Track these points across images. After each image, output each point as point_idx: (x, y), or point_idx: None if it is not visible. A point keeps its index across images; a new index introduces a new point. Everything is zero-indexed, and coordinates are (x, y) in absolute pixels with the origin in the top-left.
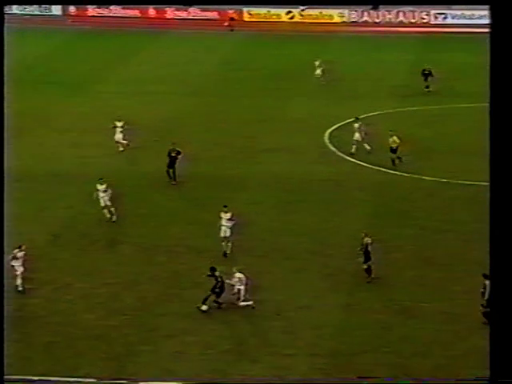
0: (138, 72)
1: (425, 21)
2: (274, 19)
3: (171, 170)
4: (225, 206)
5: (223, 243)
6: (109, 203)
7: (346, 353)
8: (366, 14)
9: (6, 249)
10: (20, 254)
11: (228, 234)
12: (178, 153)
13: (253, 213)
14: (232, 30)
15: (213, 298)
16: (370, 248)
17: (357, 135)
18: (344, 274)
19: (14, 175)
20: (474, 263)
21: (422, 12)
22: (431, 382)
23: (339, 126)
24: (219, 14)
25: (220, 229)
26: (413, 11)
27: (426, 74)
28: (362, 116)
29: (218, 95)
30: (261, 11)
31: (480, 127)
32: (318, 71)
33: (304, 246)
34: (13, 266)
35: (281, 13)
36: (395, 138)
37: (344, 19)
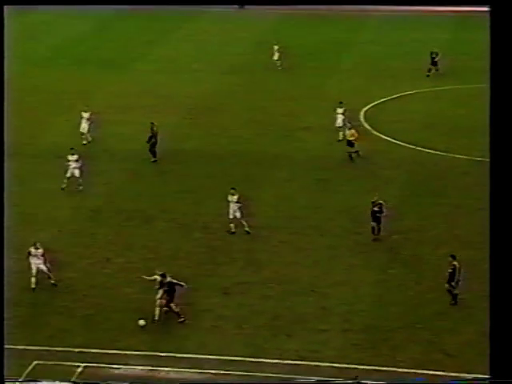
0: (175, 50)
1: None
2: None
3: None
4: (232, 189)
5: (231, 224)
6: (77, 175)
7: (379, 328)
8: None
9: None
10: (35, 252)
11: (238, 215)
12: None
13: (288, 190)
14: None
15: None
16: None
17: (339, 121)
18: (377, 251)
19: (55, 151)
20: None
21: None
22: (431, 382)
23: (375, 105)
24: None
25: (228, 211)
26: None
27: (432, 59)
28: (398, 95)
29: (255, 74)
30: None
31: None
32: (276, 56)
33: (338, 222)
34: (29, 263)
35: None
36: (353, 131)
37: None
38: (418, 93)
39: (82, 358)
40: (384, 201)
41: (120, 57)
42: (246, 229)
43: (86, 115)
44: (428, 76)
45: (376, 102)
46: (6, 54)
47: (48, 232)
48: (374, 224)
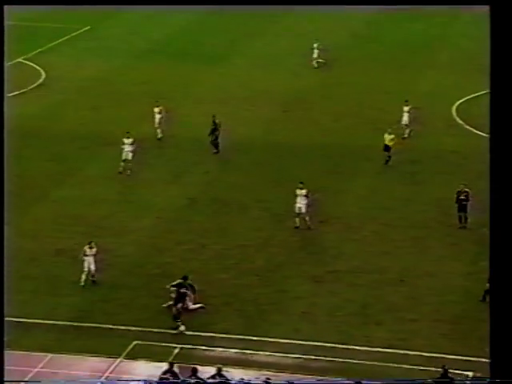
0: (271, 46)
1: None
2: None
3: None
4: (301, 183)
5: (297, 219)
6: (129, 158)
7: (468, 319)
8: None
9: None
10: (89, 251)
11: (303, 210)
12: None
13: (379, 182)
14: None
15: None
16: None
17: (405, 118)
18: (467, 243)
19: (153, 142)
20: None
21: None
22: (431, 381)
23: (467, 100)
24: None
25: (294, 205)
26: None
27: None
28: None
29: (348, 68)
30: None
31: None
32: (315, 54)
33: (429, 214)
34: (83, 261)
35: None
36: (393, 136)
37: None
38: None
39: (179, 339)
40: (469, 189)
41: (219, 51)
42: (309, 223)
43: (157, 110)
44: None
45: (468, 97)
46: (112, 48)
47: (147, 219)
48: (461, 213)
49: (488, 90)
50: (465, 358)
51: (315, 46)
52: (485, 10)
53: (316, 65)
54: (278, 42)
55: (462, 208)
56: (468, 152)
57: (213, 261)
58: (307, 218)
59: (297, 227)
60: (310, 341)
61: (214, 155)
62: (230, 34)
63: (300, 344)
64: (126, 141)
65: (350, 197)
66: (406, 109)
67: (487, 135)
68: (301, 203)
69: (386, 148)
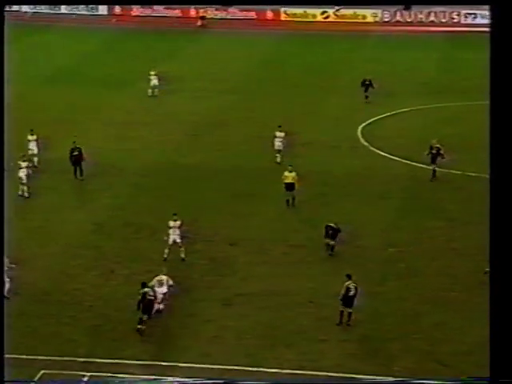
0: (179, 70)
1: (455, 20)
2: (310, 19)
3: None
4: (174, 214)
5: (166, 250)
6: (24, 180)
7: (376, 339)
8: (398, 13)
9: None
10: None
11: (178, 240)
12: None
13: (283, 204)
14: (203, 26)
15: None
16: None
17: (278, 144)
18: (374, 264)
19: (61, 167)
20: None
21: (452, 12)
22: (430, 381)
23: (371, 122)
24: (257, 14)
25: (168, 237)
26: (443, 11)
27: (367, 85)
28: (394, 112)
29: (256, 92)
30: (297, 11)
31: None
32: (154, 81)
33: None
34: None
35: (316, 13)
36: (293, 174)
37: (377, 19)
38: (413, 110)
39: (88, 367)
40: (441, 145)
41: (124, 76)
42: (182, 255)
43: (32, 138)
44: (368, 102)
45: (373, 119)
46: (11, 74)
47: (55, 245)
48: (434, 166)
49: (392, 112)
50: (373, 376)
51: (152, 73)
52: (391, 32)
53: (150, 93)
54: (186, 66)
55: (434, 160)
56: (373, 173)
57: (122, 286)
58: (182, 249)
59: (165, 259)
60: (220, 364)
61: (123, 179)
62: (137, 58)
63: (210, 368)
64: (22, 164)
65: (260, 219)
66: (278, 134)
67: (391, 156)
68: (175, 234)
69: (290, 187)
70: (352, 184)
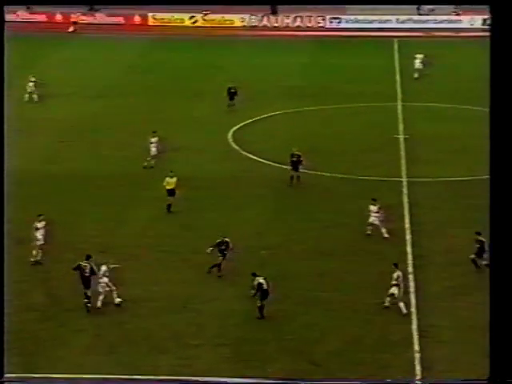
0: (44, 75)
1: (320, 25)
2: (178, 23)
3: None
4: (40, 215)
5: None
6: None
7: (250, 342)
8: (265, 18)
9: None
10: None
11: (41, 242)
12: None
13: (159, 210)
14: (75, 32)
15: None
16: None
17: (153, 150)
18: (246, 267)
19: None
20: (370, 253)
21: (318, 17)
22: (429, 381)
23: (241, 126)
24: (125, 18)
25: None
26: (309, 16)
27: (232, 93)
28: (263, 116)
29: (126, 97)
30: (165, 16)
31: (373, 125)
32: (31, 87)
33: (208, 241)
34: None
35: (184, 17)
36: (174, 179)
37: (244, 23)
38: (283, 113)
39: None
40: (302, 153)
41: None
42: (36, 259)
43: None
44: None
45: (243, 123)
46: None
47: None
48: (292, 173)
49: (263, 116)
50: (248, 380)
51: (32, 79)
52: (260, 37)
53: (27, 98)
54: (56, 72)
55: (296, 168)
56: (244, 177)
57: None
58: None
59: (37, 262)
60: (94, 374)
61: None
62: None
63: (84, 378)
64: None
65: (132, 226)
66: (153, 140)
67: (262, 160)
68: (40, 235)
69: (171, 192)
70: (224, 188)
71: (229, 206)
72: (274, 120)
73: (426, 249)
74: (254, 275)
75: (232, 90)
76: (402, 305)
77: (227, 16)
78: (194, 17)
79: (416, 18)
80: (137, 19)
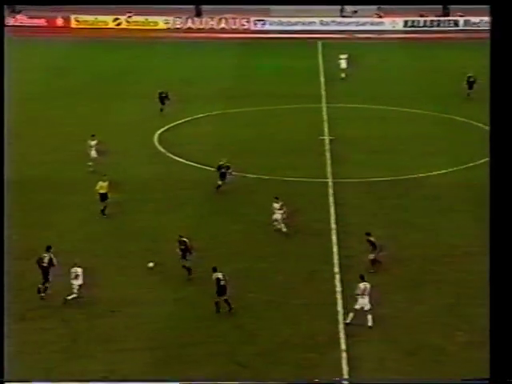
0: None
1: (245, 27)
2: (102, 26)
3: None
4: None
5: None
6: None
7: (178, 345)
8: (190, 20)
9: None
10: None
11: None
12: None
13: (87, 214)
14: None
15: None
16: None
17: (93, 153)
18: (174, 270)
19: None
20: (297, 254)
21: (242, 19)
22: (429, 381)
23: (168, 128)
24: (47, 21)
25: None
26: (234, 18)
27: (163, 97)
28: (190, 118)
29: (51, 101)
30: (88, 18)
31: (299, 127)
32: None
33: (136, 244)
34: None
35: (108, 20)
36: (106, 183)
37: (169, 26)
38: (209, 116)
39: None
40: (231, 164)
41: None
42: None
43: None
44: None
45: (169, 125)
46: None
47: None
48: (220, 182)
49: (188, 118)
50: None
51: None
52: (184, 39)
53: None
54: None
55: (223, 177)
56: (171, 180)
57: None
58: None
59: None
60: (22, 381)
61: None
62: None
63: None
64: None
65: (61, 230)
66: (92, 143)
67: (189, 162)
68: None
69: (103, 197)
70: (151, 191)
71: (156, 209)
72: (200, 122)
73: (352, 249)
74: (214, 270)
75: (163, 95)
76: (369, 317)
77: (151, 18)
78: (118, 19)
79: (339, 20)
80: (59, 21)
